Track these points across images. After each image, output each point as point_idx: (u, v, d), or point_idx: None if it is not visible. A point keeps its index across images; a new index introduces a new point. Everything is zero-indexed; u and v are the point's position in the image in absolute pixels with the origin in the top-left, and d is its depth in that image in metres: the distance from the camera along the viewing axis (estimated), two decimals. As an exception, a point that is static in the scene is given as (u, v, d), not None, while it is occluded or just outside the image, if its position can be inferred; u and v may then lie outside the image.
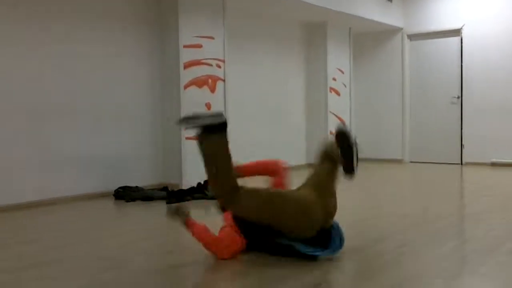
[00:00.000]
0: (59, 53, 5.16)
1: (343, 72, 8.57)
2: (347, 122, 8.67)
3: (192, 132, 3.12)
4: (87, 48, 5.40)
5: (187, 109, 5.97)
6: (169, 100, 6.02)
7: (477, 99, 8.18)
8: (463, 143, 8.37)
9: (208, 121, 3.04)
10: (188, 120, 3.08)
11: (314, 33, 8.31)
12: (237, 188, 3.04)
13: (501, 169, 7.59)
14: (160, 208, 4.76)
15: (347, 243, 3.09)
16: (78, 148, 5.31)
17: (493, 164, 7.99)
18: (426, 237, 3.44)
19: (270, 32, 7.62)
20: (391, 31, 8.99)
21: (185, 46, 5.96)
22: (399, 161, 8.91)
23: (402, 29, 8.92)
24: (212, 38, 6.28)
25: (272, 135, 7.59)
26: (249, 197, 3.00)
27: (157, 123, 6.08)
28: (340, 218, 3.33)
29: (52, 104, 5.10)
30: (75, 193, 5.24)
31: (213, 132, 3.04)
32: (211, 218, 4.46)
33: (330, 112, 8.29)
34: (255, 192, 3.04)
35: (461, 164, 8.33)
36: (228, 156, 3.09)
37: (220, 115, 3.08)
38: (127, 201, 5.13)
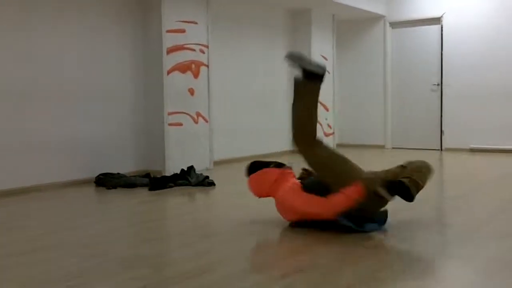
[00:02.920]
0: (40, 36, 5.05)
1: (326, 59, 8.58)
2: (330, 108, 8.70)
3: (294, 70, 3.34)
4: (69, 32, 5.30)
5: (170, 95, 5.93)
6: (152, 85, 5.96)
7: (457, 86, 8.28)
8: (443, 129, 8.48)
9: (313, 68, 3.24)
10: (294, 58, 3.28)
11: (298, 20, 8.29)
12: (315, 137, 3.32)
13: (479, 154, 7.72)
14: (142, 195, 4.74)
15: (331, 227, 3.12)
16: (58, 134, 5.23)
17: (472, 150, 8.12)
18: (409, 220, 3.49)
19: (254, 18, 7.57)
20: (374, 19, 9.02)
21: (168, 31, 5.89)
22: (381, 147, 9.00)
23: (384, 16, 8.95)
24: (195, 23, 6.23)
25: (256, 121, 7.59)
26: (324, 148, 3.32)
27: (139, 109, 6.02)
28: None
29: (32, 88, 5.01)
30: (55, 180, 5.17)
31: (311, 79, 3.24)
32: (195, 204, 4.47)
33: (313, 98, 8.30)
34: (329, 148, 3.41)
35: (441, 150, 8.45)
36: (316, 105, 3.36)
37: (323, 68, 3.29)
38: (109, 188, 5.08)
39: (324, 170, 3.26)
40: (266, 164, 3.47)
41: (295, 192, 3.24)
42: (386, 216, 3.29)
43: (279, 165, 3.46)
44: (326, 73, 3.31)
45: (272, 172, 3.37)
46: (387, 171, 3.38)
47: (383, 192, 3.11)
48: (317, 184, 3.24)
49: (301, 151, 3.31)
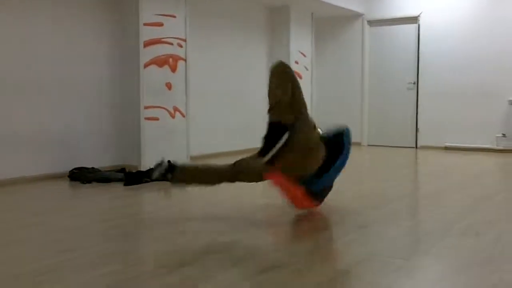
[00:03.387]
0: (12, 28, 4.94)
1: (305, 56, 8.61)
2: (308, 105, 8.71)
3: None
4: (43, 23, 5.19)
5: (146, 89, 5.87)
6: (129, 79, 5.89)
7: (432, 85, 8.41)
8: (418, 127, 8.60)
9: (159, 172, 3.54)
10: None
11: (277, 16, 8.28)
12: (230, 169, 3.48)
13: (454, 152, 7.85)
14: (117, 190, 4.68)
15: (307, 223, 3.13)
16: (32, 127, 5.13)
17: (447, 148, 8.25)
18: (383, 217, 3.52)
19: (233, 13, 7.54)
20: (352, 17, 9.08)
21: (145, 24, 5.82)
22: (357, 144, 9.07)
23: (362, 14, 9.01)
24: (173, 16, 6.16)
25: (234, 117, 7.57)
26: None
27: (116, 103, 5.94)
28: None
29: (6, 81, 4.90)
30: (28, 174, 5.07)
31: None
32: (171, 200, 4.44)
33: (291, 95, 8.32)
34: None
35: (416, 147, 8.57)
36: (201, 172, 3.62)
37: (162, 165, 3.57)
38: (83, 183, 5.01)
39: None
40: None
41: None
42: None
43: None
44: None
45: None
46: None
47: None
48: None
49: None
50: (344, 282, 2.27)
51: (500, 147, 7.86)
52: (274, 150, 3.22)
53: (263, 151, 3.27)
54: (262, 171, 3.30)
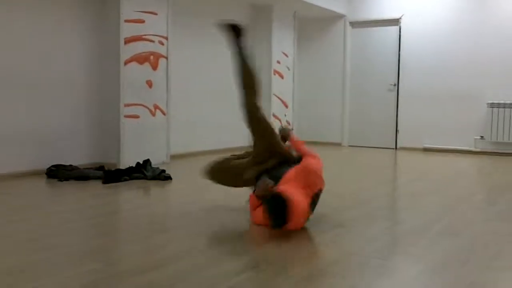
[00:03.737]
0: (-12, 21, 4.85)
1: (287, 56, 8.62)
2: (289, 105, 8.75)
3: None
4: (22, 19, 5.10)
5: (126, 86, 5.81)
6: (108, 76, 5.82)
7: (412, 87, 8.50)
8: (398, 128, 8.69)
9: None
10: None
11: (259, 15, 8.28)
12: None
13: (432, 154, 7.95)
14: (95, 188, 4.62)
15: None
16: (8, 124, 5.03)
17: (425, 149, 8.35)
18: (361, 217, 3.55)
19: (215, 11, 7.51)
20: (334, 17, 9.12)
21: (126, 21, 5.76)
22: (338, 145, 9.13)
23: (344, 16, 9.07)
24: (155, 13, 6.12)
25: (215, 115, 7.54)
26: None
27: (95, 100, 5.87)
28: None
29: (-20, 76, 4.80)
30: (4, 171, 4.98)
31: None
32: (150, 198, 4.40)
33: (274, 94, 8.33)
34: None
35: (396, 148, 8.66)
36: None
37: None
38: (61, 180, 4.93)
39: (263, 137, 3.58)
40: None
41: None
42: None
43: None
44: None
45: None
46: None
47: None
48: None
49: (250, 111, 3.74)
50: (321, 282, 2.28)
51: (478, 149, 7.98)
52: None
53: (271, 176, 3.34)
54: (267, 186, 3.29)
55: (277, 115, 8.46)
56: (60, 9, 5.47)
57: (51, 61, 5.41)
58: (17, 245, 2.83)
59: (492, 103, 7.78)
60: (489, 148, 7.90)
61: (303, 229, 3.18)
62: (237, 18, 8.02)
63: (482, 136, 7.96)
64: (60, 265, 2.47)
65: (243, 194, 4.45)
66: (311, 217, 3.29)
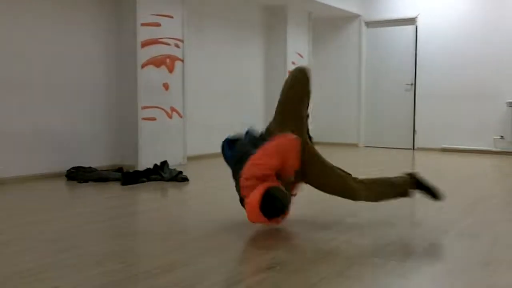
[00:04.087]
0: (10, 26, 4.93)
1: (302, 56, 8.61)
2: (304, 106, 8.72)
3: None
4: (40, 23, 5.18)
5: (143, 89, 5.86)
6: (126, 79, 5.88)
7: (430, 86, 8.42)
8: (415, 129, 8.61)
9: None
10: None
11: (274, 16, 8.28)
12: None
13: (450, 154, 7.86)
14: (114, 189, 4.67)
15: (302, 224, 3.12)
16: (30, 126, 5.12)
17: (444, 150, 8.27)
18: (378, 219, 3.53)
19: (230, 13, 7.54)
20: (349, 18, 9.08)
21: (142, 24, 5.81)
22: (354, 145, 9.08)
23: (360, 16, 9.02)
24: (171, 17, 6.16)
25: (231, 117, 7.56)
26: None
27: (113, 103, 5.93)
28: (298, 199, 3.38)
29: (3, 79, 4.89)
30: (25, 173, 5.06)
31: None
32: (168, 200, 4.43)
33: (288, 95, 8.31)
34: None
35: (413, 149, 8.58)
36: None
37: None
38: (80, 182, 5.00)
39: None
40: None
41: None
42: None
43: None
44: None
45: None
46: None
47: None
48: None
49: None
50: (338, 284, 2.27)
51: (498, 149, 7.87)
52: None
53: None
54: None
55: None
56: (77, 13, 5.55)
57: (70, 64, 5.48)
58: (37, 246, 2.88)
59: (512, 102, 7.67)
60: (509, 148, 7.79)
61: (319, 231, 3.17)
62: (252, 19, 8.04)
63: (502, 136, 7.85)
64: (79, 266, 2.51)
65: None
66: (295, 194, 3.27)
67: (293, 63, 8.40)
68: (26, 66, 5.09)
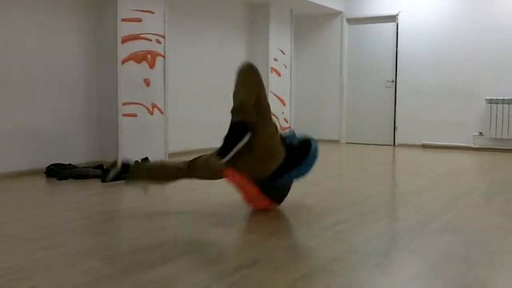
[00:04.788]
0: (-15, 20, 4.83)
1: (284, 53, 8.61)
2: (286, 103, 8.75)
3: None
4: (18, 18, 5.08)
5: (124, 85, 5.79)
6: (106, 75, 5.81)
7: (410, 83, 8.50)
8: (396, 125, 8.69)
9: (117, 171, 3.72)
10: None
11: (256, 13, 8.26)
12: (186, 167, 3.55)
13: (431, 150, 7.96)
14: (94, 186, 4.62)
15: (283, 221, 3.13)
16: (8, 123, 5.02)
17: (424, 146, 8.36)
18: (360, 215, 3.55)
19: (212, 9, 7.50)
20: (331, 14, 9.11)
21: (123, 20, 5.74)
22: (336, 142, 9.12)
23: (341, 12, 9.05)
24: (152, 12, 6.10)
25: (212, 114, 7.52)
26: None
27: (93, 98, 5.85)
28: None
29: (-22, 76, 4.79)
30: (4, 170, 4.97)
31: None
32: (150, 197, 4.39)
33: (271, 92, 8.31)
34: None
35: (394, 145, 8.66)
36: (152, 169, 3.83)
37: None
38: (60, 179, 4.93)
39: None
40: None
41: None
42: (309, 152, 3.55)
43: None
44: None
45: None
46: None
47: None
48: None
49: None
50: (320, 279, 2.28)
51: (477, 146, 7.98)
52: (234, 151, 3.20)
53: (223, 151, 3.25)
54: (219, 170, 3.34)
55: (275, 113, 8.45)
56: (56, 9, 5.45)
57: (48, 60, 5.39)
58: (16, 244, 2.83)
59: (491, 99, 7.78)
60: (488, 145, 7.91)
61: (302, 227, 3.18)
62: (234, 16, 8.02)
63: (481, 133, 7.97)
64: (59, 264, 2.47)
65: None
66: None
67: (276, 59, 8.41)
68: (4, 63, 4.98)
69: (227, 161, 3.23)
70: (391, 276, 2.38)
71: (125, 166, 3.69)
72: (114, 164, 3.77)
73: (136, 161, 5.32)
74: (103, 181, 4.78)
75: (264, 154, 3.35)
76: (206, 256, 2.63)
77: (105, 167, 5.23)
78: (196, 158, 3.62)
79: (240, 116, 3.24)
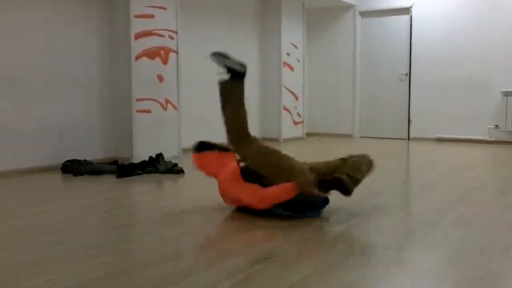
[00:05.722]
0: (5, 21, 4.89)
1: (296, 47, 8.58)
2: (299, 97, 8.73)
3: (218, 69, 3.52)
4: (34, 16, 5.14)
5: (138, 81, 5.83)
6: (120, 71, 5.85)
7: (424, 76, 8.42)
8: (410, 119, 8.62)
9: (235, 66, 3.46)
10: (219, 57, 3.47)
11: (268, 7, 8.25)
12: (249, 135, 3.40)
13: (445, 144, 7.88)
14: (109, 182, 4.67)
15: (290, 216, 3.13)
16: (24, 119, 5.09)
17: (438, 140, 8.29)
18: (374, 209, 3.54)
19: (224, 4, 7.50)
20: (344, 8, 9.05)
21: (136, 16, 5.77)
22: (349, 136, 9.09)
23: (354, 6, 8.99)
24: (164, 8, 6.12)
25: (225, 109, 7.54)
26: (257, 144, 3.37)
27: (107, 95, 5.90)
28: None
29: (-6, 73, 4.86)
30: (20, 166, 5.04)
31: (235, 78, 3.49)
32: (163, 192, 4.43)
33: (284, 86, 8.31)
34: (262, 144, 3.42)
35: (408, 139, 8.60)
36: (244, 104, 3.55)
37: (245, 66, 3.51)
38: (75, 175, 4.99)
39: (260, 166, 3.29)
40: (211, 146, 3.59)
41: (233, 179, 3.30)
42: (327, 202, 3.35)
43: (224, 149, 3.56)
44: (247, 71, 3.54)
45: (212, 155, 3.50)
46: (328, 163, 3.44)
47: (317, 192, 3.17)
48: (253, 173, 3.29)
49: (238, 150, 3.41)
50: (334, 273, 2.29)
51: (493, 139, 7.89)
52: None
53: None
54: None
55: (288, 107, 8.45)
56: (70, 5, 5.50)
57: (63, 57, 5.45)
58: (32, 239, 2.87)
59: (507, 91, 7.68)
60: (504, 137, 7.81)
61: (315, 221, 3.18)
62: (246, 11, 8.01)
63: (496, 125, 7.87)
64: (73, 259, 2.51)
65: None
66: None
67: (288, 54, 8.39)
68: (19, 60, 5.05)
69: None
70: (404, 270, 2.38)
71: (131, 166, 3.64)
72: (122, 167, 3.71)
73: (151, 157, 5.37)
74: (119, 177, 4.84)
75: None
76: (218, 251, 2.65)
77: (119, 163, 5.29)
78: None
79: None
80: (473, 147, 7.43)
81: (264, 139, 5.91)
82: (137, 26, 5.79)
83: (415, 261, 2.51)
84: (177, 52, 6.33)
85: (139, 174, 4.98)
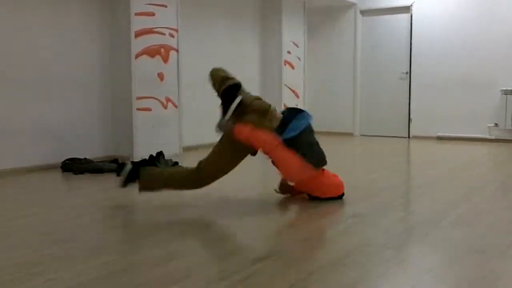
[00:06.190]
0: (5, 21, 4.88)
1: (297, 46, 8.57)
2: (300, 96, 8.73)
3: None
4: (31, 14, 5.13)
5: (138, 79, 5.83)
6: (120, 70, 5.85)
7: (425, 75, 8.41)
8: (410, 117, 8.61)
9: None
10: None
11: (269, 5, 8.23)
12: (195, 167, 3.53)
13: (446, 142, 7.88)
14: (110, 180, 4.66)
15: (299, 213, 3.13)
16: (24, 118, 5.09)
17: (439, 138, 8.28)
18: (374, 208, 3.54)
19: (225, 2, 7.49)
20: (345, 6, 9.04)
21: (136, 14, 5.77)
22: (349, 134, 9.08)
23: (355, 4, 8.98)
24: (165, 6, 6.11)
25: (226, 108, 7.54)
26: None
27: (107, 93, 5.90)
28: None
29: (-6, 72, 4.85)
30: (20, 165, 5.04)
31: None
32: (164, 191, 4.42)
33: (285, 85, 8.31)
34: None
35: (409, 137, 8.59)
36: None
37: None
38: (75, 174, 4.99)
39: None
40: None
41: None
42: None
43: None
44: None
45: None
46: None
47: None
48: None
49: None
50: (334, 272, 2.28)
51: (493, 137, 7.89)
52: (232, 108, 3.42)
53: (222, 115, 3.46)
54: (228, 129, 3.44)
55: (288, 105, 8.44)
56: (69, 5, 5.50)
57: (63, 56, 5.44)
58: (32, 238, 2.87)
59: (506, 90, 7.67)
60: (504, 136, 7.81)
61: (316, 219, 3.18)
62: (247, 9, 7.99)
63: (496, 124, 7.87)
64: (75, 258, 2.51)
65: (257, 186, 4.46)
66: None
67: (289, 52, 8.38)
68: (18, 59, 5.04)
69: (232, 119, 3.40)
70: (405, 269, 2.38)
71: (135, 169, 3.64)
72: (122, 165, 3.76)
73: (151, 155, 5.37)
74: (119, 175, 4.83)
75: (259, 107, 3.57)
76: (220, 250, 2.65)
77: (120, 162, 5.28)
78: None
79: (225, 84, 3.55)
80: (473, 146, 7.42)
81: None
82: (138, 24, 5.78)
83: (415, 261, 2.51)
84: (177, 50, 6.33)
85: (137, 179, 4.97)
